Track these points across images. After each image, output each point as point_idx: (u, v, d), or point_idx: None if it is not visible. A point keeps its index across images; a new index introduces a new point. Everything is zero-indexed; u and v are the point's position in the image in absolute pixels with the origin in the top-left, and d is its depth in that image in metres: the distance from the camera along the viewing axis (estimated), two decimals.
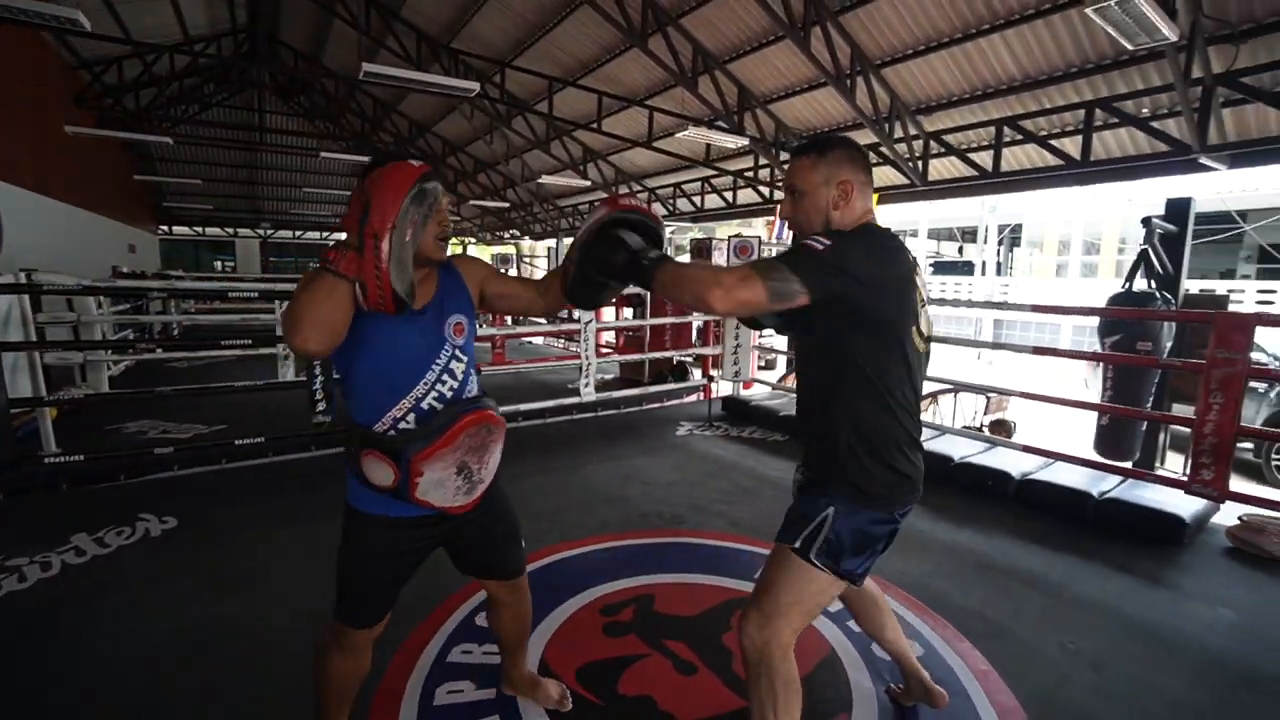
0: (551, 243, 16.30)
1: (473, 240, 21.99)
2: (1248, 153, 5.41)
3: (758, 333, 6.18)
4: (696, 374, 6.86)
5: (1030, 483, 3.16)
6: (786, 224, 1.33)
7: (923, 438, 1.31)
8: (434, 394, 1.25)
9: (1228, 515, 2.87)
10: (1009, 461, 3.39)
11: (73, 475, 3.23)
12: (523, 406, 4.61)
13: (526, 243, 19.47)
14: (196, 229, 18.53)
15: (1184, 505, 2.76)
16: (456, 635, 2.00)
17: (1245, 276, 15.16)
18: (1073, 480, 3.09)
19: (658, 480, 3.55)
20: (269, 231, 18.99)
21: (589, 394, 4.63)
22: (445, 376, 1.27)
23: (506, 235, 19.11)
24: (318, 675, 1.37)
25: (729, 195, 10.96)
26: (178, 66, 10.75)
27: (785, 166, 1.38)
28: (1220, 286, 13.77)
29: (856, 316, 1.17)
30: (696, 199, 11.69)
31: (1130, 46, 4.35)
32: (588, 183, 11.62)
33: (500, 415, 1.31)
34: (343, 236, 1.15)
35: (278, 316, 5.67)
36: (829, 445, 1.25)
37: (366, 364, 1.22)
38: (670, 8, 6.79)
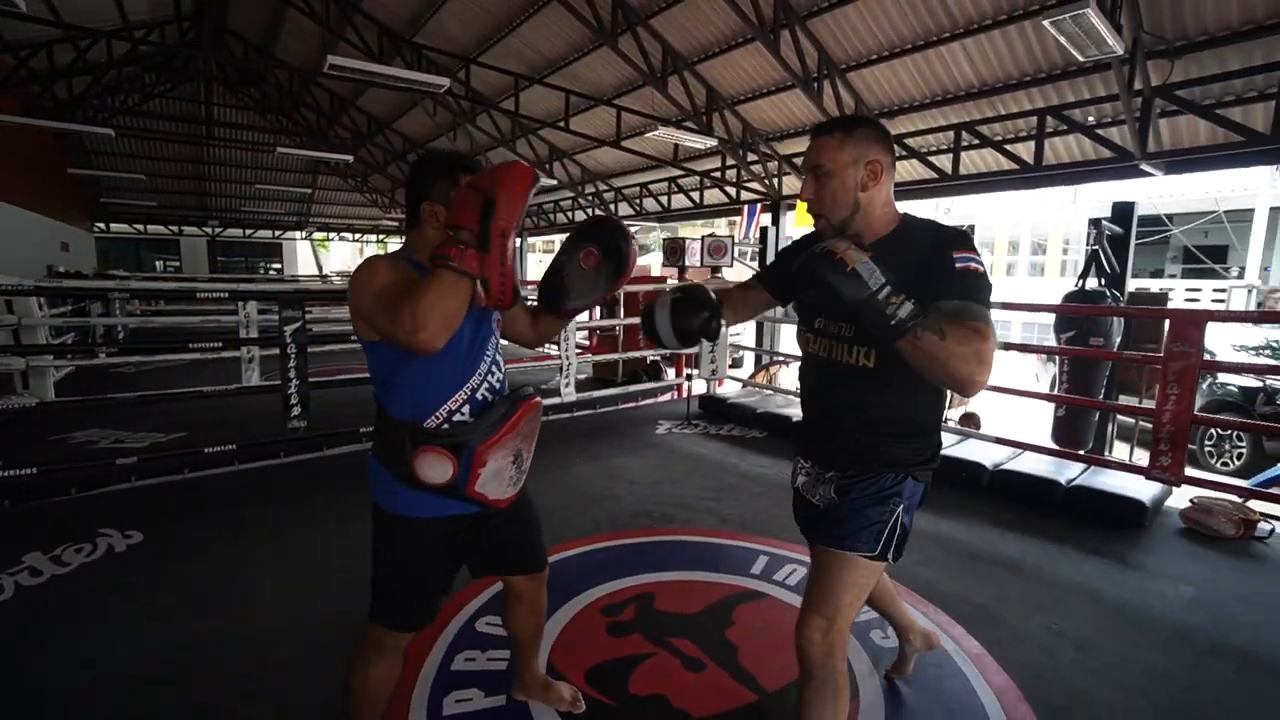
0: (514, 241, 16.11)
1: None
2: (1181, 161, 5.77)
3: (730, 332, 6.25)
4: (670, 372, 6.90)
5: (1003, 473, 3.30)
6: (807, 206, 1.28)
7: None
8: (486, 385, 1.27)
9: (1180, 498, 3.08)
10: (981, 453, 3.53)
11: (16, 490, 3.02)
12: None
13: None
14: (137, 226, 17.53)
15: (1144, 490, 2.94)
16: (458, 643, 1.97)
17: (1172, 276, 16.17)
18: (1040, 469, 3.25)
19: (643, 479, 3.56)
20: (217, 230, 18.13)
21: (569, 394, 4.61)
22: (494, 368, 1.30)
23: None
24: (356, 684, 1.34)
25: (696, 195, 11.05)
26: (115, 54, 10.14)
27: (808, 146, 1.27)
28: (1152, 285, 14.65)
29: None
30: (663, 199, 11.75)
31: (1080, 58, 4.59)
32: (554, 181, 11.54)
33: None
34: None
35: (242, 318, 5.43)
36: (892, 441, 1.26)
37: (433, 355, 1.18)
38: (640, 7, 6.80)
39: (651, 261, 21.55)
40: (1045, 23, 4.04)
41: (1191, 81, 5.10)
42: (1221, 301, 12.59)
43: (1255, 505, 2.96)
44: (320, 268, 20.94)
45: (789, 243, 1.47)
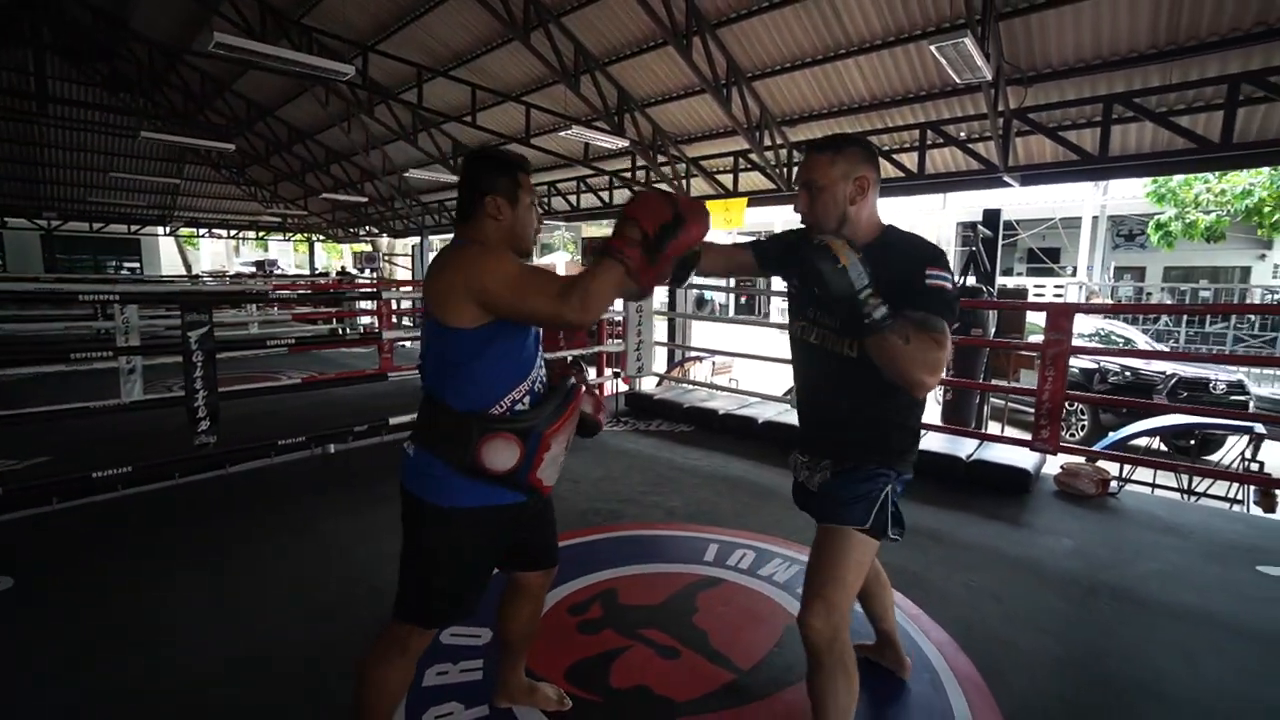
0: (415, 240, 15.32)
1: (320, 238, 20.02)
2: (1033, 174, 6.66)
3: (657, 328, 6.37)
4: (591, 372, 6.92)
5: (919, 453, 3.65)
6: (800, 218, 1.37)
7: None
8: (539, 377, 1.34)
9: (1053, 465, 3.57)
10: None
11: None
12: None
13: (385, 240, 18.16)
14: None
15: (1028, 460, 3.38)
16: (426, 659, 1.89)
17: (1019, 274, 18.48)
18: (944, 448, 3.63)
19: (586, 478, 3.58)
20: (54, 223, 15.66)
21: None
22: (541, 361, 1.36)
23: (362, 232, 17.65)
24: (374, 683, 1.30)
25: (605, 195, 11.13)
26: None
27: (798, 164, 1.37)
28: (1008, 282, 16.66)
29: None
30: (572, 198, 11.72)
31: (957, 80, 5.17)
32: (457, 178, 11.13)
33: None
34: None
35: (120, 324, 4.76)
36: (872, 427, 1.37)
37: (509, 344, 1.26)
38: (553, 5, 6.75)
39: (555, 260, 21.38)
40: (931, 47, 4.50)
41: (1040, 107, 5.89)
42: (1060, 295, 14.52)
43: (1106, 466, 3.50)
44: (189, 267, 18.75)
45: (787, 229, 1.57)
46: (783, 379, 7.02)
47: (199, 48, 6.11)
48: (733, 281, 24.13)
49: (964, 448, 3.62)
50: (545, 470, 1.29)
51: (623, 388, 5.75)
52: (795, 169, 8.01)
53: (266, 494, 3.24)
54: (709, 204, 9.01)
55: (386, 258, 17.28)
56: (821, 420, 1.47)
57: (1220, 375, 6.92)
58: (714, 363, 8.86)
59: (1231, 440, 5.82)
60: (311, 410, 4.88)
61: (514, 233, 1.32)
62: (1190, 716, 1.71)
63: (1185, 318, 13.33)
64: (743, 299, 22.14)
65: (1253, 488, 4.24)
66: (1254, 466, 4.92)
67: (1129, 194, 14.31)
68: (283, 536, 2.74)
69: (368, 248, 17.71)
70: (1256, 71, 4.85)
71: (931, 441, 3.76)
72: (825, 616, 1.27)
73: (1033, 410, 3.29)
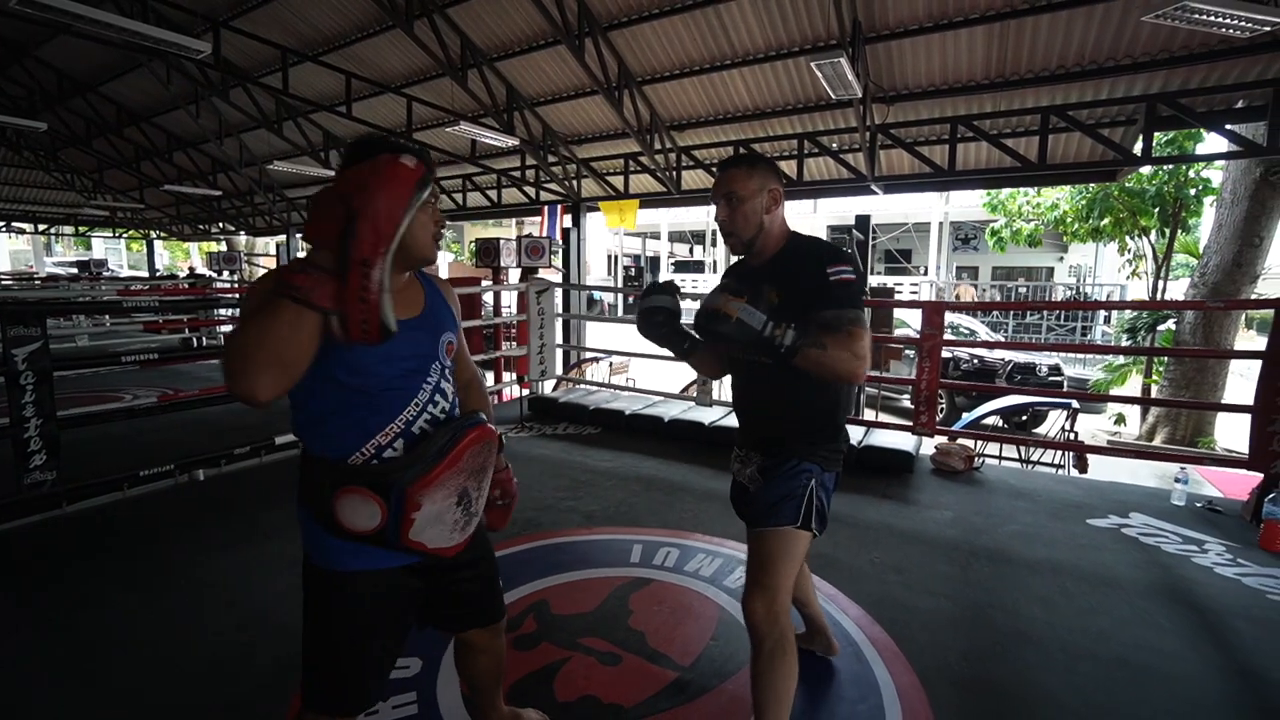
0: (281, 238, 13.89)
1: (160, 235, 17.56)
2: (894, 184, 7.41)
3: (560, 332, 6.28)
4: (489, 377, 6.70)
5: None
6: (720, 227, 1.47)
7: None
8: (425, 416, 1.09)
9: (927, 446, 4.00)
10: None
11: None
12: None
13: (243, 239, 16.32)
14: None
15: (909, 443, 3.76)
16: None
17: (879, 273, 20.48)
18: None
19: None
20: None
21: None
22: (437, 396, 1.11)
23: (214, 229, 15.71)
24: None
25: (493, 194, 10.80)
26: None
27: (719, 177, 1.46)
28: (872, 281, 18.40)
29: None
30: (458, 196, 11.25)
31: (832, 95, 5.60)
32: (330, 173, 10.26)
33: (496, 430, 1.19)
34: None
35: None
36: (796, 427, 1.45)
37: (347, 382, 1.02)
38: None
39: (440, 262, 20.41)
40: (811, 63, 4.84)
41: (900, 124, 6.56)
42: (916, 292, 16.27)
43: (969, 444, 3.99)
44: None
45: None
46: (678, 376, 7.23)
47: None
48: (621, 281, 24.26)
49: (854, 435, 3.95)
50: (424, 532, 1.04)
51: (522, 392, 5.63)
52: (683, 173, 8.28)
53: (124, 534, 2.79)
54: (603, 205, 9.11)
55: (247, 258, 15.52)
56: (749, 416, 1.58)
57: (1043, 360, 8.12)
58: (610, 363, 8.94)
59: (1054, 415, 6.86)
60: (180, 430, 4.27)
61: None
62: (1053, 652, 2.00)
63: (1010, 310, 15.47)
64: (630, 299, 22.50)
65: (1071, 454, 5.03)
66: (1071, 436, 5.86)
67: (967, 203, 16.34)
68: (151, 583, 2.38)
69: (222, 246, 15.81)
70: (1059, 106, 5.75)
71: None
72: (765, 601, 1.37)
73: (899, 397, 3.65)
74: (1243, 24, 3.51)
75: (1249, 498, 3.02)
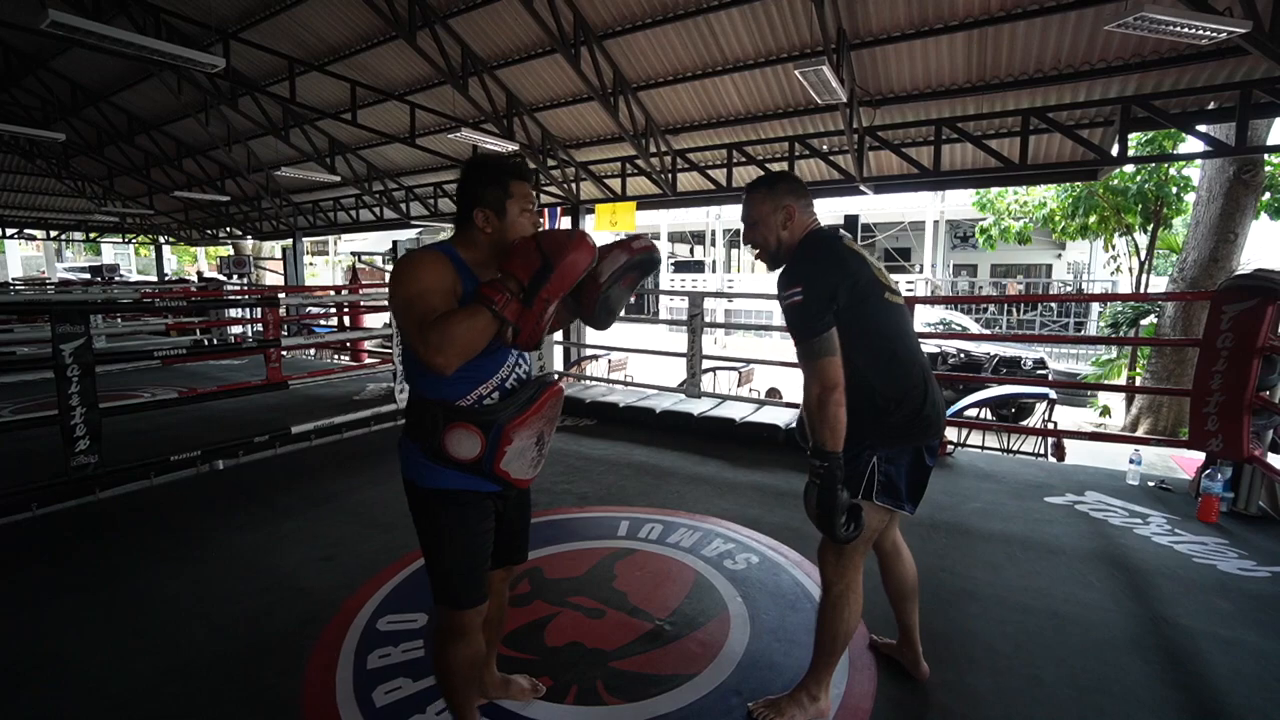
0: (287, 242, 14.17)
1: (169, 239, 17.89)
2: (883, 185, 7.63)
3: (559, 331, 6.53)
4: None
5: (790, 430, 4.16)
6: (743, 238, 1.68)
7: (920, 386, 1.54)
8: (514, 375, 1.38)
9: None
10: (775, 416, 4.38)
11: None
12: (337, 419, 4.25)
13: (250, 243, 16.63)
14: None
15: None
16: (365, 645, 1.99)
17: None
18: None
19: None
20: None
21: (404, 399, 4.48)
22: (521, 361, 1.41)
23: (222, 234, 16.02)
24: (445, 672, 1.39)
25: None
26: None
27: (742, 199, 1.64)
28: None
29: (843, 311, 1.47)
30: None
31: (819, 100, 5.84)
32: (336, 178, 10.55)
33: None
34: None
35: None
36: (854, 409, 1.47)
37: None
38: (439, 6, 6.68)
39: None
40: (796, 71, 5.07)
41: (887, 126, 6.78)
42: (912, 289, 16.44)
43: (947, 432, 4.21)
44: None
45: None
46: (674, 373, 7.47)
47: (19, 20, 5.34)
48: None
49: None
50: (511, 463, 1.32)
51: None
52: (679, 175, 8.52)
53: (153, 516, 3.05)
54: (599, 207, 9.35)
55: (255, 261, 15.82)
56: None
57: (1027, 354, 8.34)
58: (610, 359, 9.18)
59: (1040, 408, 7.08)
60: (195, 426, 4.54)
61: (503, 244, 1.30)
62: (992, 606, 2.24)
63: (1006, 306, 15.67)
64: (632, 299, 22.70)
65: (1049, 441, 5.25)
66: (1051, 425, 6.08)
67: (962, 202, 16.51)
68: (182, 554, 2.64)
69: (229, 251, 16.12)
70: (1039, 108, 5.97)
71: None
72: (836, 553, 1.64)
73: None
74: (1201, 32, 3.72)
75: (1194, 475, 3.25)
